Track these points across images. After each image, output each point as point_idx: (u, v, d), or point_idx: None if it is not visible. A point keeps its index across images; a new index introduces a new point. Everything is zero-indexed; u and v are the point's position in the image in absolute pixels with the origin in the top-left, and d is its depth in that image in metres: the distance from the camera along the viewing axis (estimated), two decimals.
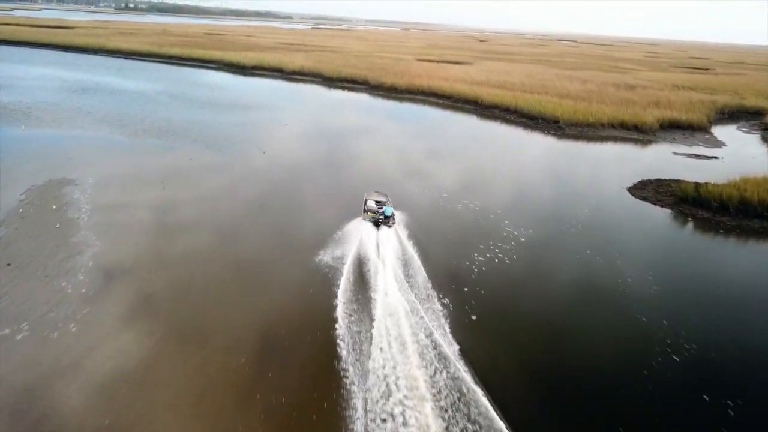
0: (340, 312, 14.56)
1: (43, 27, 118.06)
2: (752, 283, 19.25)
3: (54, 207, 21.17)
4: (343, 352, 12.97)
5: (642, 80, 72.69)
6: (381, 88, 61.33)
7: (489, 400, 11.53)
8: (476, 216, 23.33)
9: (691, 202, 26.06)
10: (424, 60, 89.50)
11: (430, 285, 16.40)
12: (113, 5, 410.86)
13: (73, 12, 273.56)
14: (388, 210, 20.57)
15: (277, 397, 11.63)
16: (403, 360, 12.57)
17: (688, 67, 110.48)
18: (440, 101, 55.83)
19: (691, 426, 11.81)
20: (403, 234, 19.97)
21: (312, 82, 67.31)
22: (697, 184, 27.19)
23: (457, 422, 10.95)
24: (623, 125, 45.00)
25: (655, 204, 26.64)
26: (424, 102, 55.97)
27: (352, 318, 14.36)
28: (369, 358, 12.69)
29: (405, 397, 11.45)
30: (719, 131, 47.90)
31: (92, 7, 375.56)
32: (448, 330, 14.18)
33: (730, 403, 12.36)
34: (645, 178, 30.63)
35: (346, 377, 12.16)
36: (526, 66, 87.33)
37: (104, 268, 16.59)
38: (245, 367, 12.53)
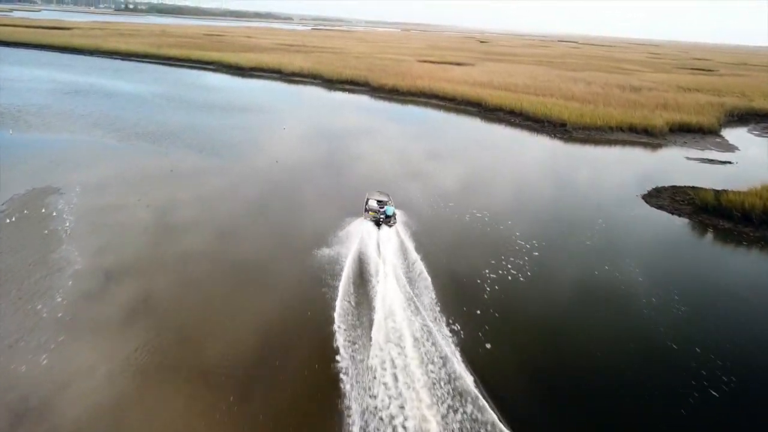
0: (338, 310, 14.63)
1: (40, 28, 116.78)
2: None
3: (36, 218, 19.84)
4: (343, 352, 13.01)
5: (646, 81, 71.36)
6: (382, 89, 59.81)
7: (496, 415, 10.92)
8: (483, 224, 22.04)
9: (710, 211, 24.73)
10: (425, 61, 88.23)
11: (430, 285, 16.33)
12: (113, 6, 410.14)
13: (73, 13, 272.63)
14: (390, 209, 20.62)
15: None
16: (403, 358, 12.77)
17: (691, 68, 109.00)
18: (443, 103, 54.45)
19: (691, 426, 11.58)
20: (404, 234, 19.86)
21: (312, 83, 65.94)
22: (716, 192, 25.91)
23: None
24: (632, 128, 43.64)
25: (672, 213, 25.30)
26: (426, 104, 54.60)
27: (349, 317, 14.44)
28: (368, 356, 12.69)
29: (405, 386, 11.78)
30: (730, 134, 46.61)
31: (92, 8, 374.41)
32: (444, 324, 14.33)
33: (730, 403, 12.19)
34: (659, 185, 29.28)
35: (346, 375, 12.18)
36: (528, 67, 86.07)
37: (85, 289, 15.24)
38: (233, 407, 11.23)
